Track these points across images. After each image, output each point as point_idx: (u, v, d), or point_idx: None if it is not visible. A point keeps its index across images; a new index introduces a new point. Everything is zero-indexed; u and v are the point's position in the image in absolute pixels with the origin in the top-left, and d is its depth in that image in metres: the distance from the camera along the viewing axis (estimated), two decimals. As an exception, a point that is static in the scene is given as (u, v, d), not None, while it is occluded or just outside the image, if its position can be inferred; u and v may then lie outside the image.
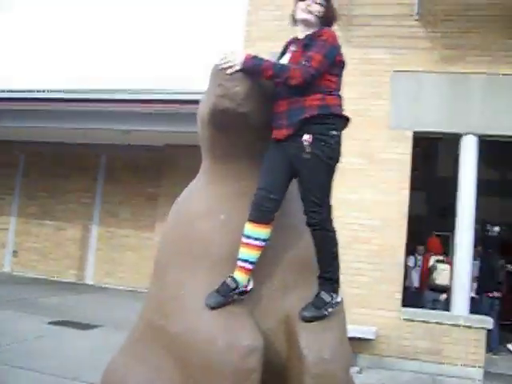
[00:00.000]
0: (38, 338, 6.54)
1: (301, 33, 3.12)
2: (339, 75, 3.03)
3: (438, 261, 8.69)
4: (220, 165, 3.21)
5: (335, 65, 2.97)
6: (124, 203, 12.65)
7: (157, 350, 2.95)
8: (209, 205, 3.16)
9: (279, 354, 2.91)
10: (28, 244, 13.47)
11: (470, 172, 7.41)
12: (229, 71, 2.81)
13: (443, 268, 8.45)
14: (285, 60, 3.05)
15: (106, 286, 12.29)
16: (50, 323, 7.43)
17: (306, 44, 2.97)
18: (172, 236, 3.27)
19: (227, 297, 2.81)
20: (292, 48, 3.09)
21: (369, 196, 7.44)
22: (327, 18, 3.12)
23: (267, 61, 2.85)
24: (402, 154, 7.48)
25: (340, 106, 2.98)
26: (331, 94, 2.94)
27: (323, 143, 2.85)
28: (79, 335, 6.98)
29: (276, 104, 2.98)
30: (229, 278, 2.84)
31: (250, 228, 2.87)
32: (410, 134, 7.51)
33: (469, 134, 7.38)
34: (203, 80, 3.25)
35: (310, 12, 3.05)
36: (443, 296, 8.37)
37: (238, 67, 2.79)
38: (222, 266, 2.97)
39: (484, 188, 7.78)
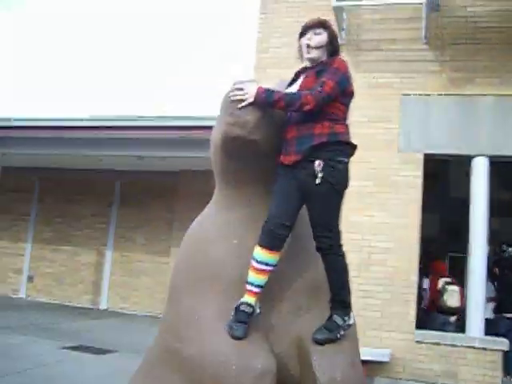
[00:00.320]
0: (55, 363, 6.59)
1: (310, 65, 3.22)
2: (347, 105, 3.10)
3: (447, 283, 8.64)
4: (232, 190, 3.29)
5: (345, 94, 3.05)
6: (139, 228, 12.75)
7: (172, 372, 3.00)
8: (221, 230, 3.24)
9: (292, 376, 2.96)
10: (43, 269, 13.59)
11: (481, 193, 7.41)
12: (240, 105, 2.89)
13: (453, 289, 8.40)
14: (295, 86, 3.13)
15: (122, 310, 12.34)
16: (66, 348, 7.48)
17: (318, 71, 3.05)
18: (186, 261, 3.34)
19: (248, 322, 2.87)
20: (303, 76, 3.17)
21: (381, 219, 7.47)
22: (332, 46, 3.20)
23: (278, 92, 2.93)
24: (414, 177, 7.52)
25: (347, 133, 3.05)
26: (339, 123, 3.02)
27: (332, 169, 2.92)
28: (96, 360, 7.03)
29: (285, 130, 3.05)
30: (243, 305, 2.88)
31: (261, 253, 2.91)
32: (420, 157, 7.56)
33: (479, 155, 7.42)
34: (216, 106, 3.35)
35: (312, 47, 3.14)
36: (453, 318, 8.31)
37: (250, 100, 2.87)
38: (233, 289, 3.03)
39: (497, 209, 7.79)
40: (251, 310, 2.88)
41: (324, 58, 3.16)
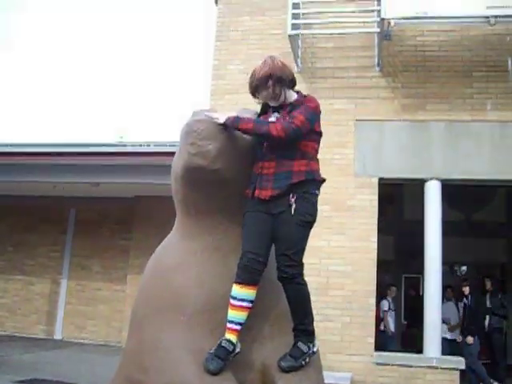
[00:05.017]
0: (9, 399, 6.39)
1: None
2: (318, 142, 3.21)
3: None
4: (193, 219, 3.29)
5: (315, 132, 3.14)
6: (94, 256, 12.51)
7: (137, 405, 2.96)
8: (183, 259, 3.24)
9: (257, 404, 2.96)
10: (-5, 300, 13.18)
11: (434, 215, 7.61)
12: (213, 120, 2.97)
13: None
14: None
15: (77, 340, 12.04)
16: (20, 382, 7.25)
17: (290, 110, 3.10)
18: (147, 290, 3.32)
19: (226, 360, 2.87)
20: (275, 114, 3.18)
21: (339, 243, 7.56)
22: (282, 80, 3.16)
23: (247, 117, 3.00)
24: (369, 200, 7.66)
25: (319, 170, 3.16)
26: (313, 160, 3.13)
27: (306, 201, 3.02)
28: (51, 394, 6.83)
29: (261, 165, 3.09)
30: (224, 341, 2.89)
31: (238, 290, 2.94)
32: (375, 181, 7.72)
33: (432, 179, 7.62)
34: (172, 132, 3.37)
35: (276, 94, 3.14)
36: None
37: (220, 121, 2.95)
38: (197, 318, 3.03)
39: (449, 229, 7.99)
40: (232, 347, 2.90)
41: (290, 94, 3.20)
